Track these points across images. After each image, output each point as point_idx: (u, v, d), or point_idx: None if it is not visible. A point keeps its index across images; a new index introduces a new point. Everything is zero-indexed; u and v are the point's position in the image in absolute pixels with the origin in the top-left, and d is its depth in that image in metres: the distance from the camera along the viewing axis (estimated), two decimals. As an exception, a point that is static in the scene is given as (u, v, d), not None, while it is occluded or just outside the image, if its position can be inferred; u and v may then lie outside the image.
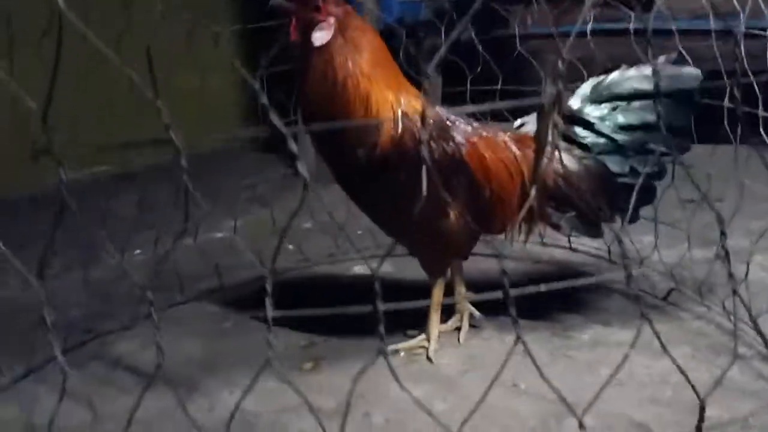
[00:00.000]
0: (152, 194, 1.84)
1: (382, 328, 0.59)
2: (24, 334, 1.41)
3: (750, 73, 0.88)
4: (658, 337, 0.68)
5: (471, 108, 1.14)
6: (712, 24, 1.53)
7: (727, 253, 0.64)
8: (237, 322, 1.63)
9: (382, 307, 0.58)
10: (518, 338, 0.59)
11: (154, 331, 0.62)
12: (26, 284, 1.73)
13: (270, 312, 0.60)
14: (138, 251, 2.02)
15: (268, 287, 0.61)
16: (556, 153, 1.30)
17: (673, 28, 1.56)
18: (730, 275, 0.65)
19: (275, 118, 0.52)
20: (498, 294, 0.59)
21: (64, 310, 1.61)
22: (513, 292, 0.58)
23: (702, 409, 0.65)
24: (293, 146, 0.52)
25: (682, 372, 0.69)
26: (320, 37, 1.24)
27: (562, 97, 0.51)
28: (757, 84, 1.00)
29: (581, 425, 0.63)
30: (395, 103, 1.25)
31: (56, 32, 0.60)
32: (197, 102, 2.06)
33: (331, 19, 1.24)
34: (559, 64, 0.54)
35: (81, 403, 1.27)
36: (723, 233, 0.64)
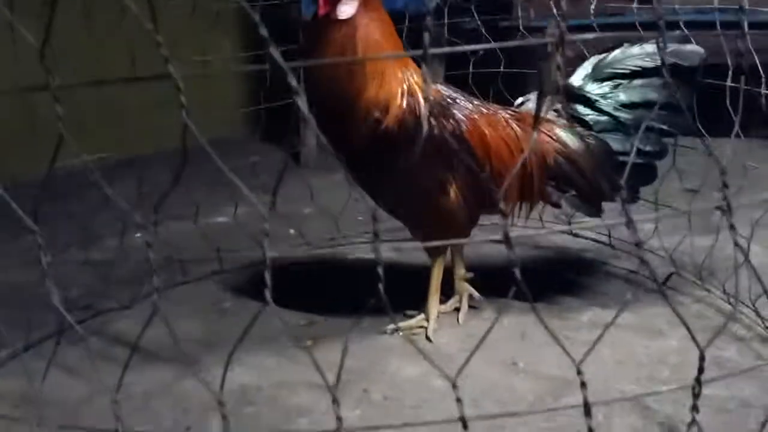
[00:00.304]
0: (152, 179, 1.84)
1: (389, 309, 0.58)
2: (22, 310, 1.42)
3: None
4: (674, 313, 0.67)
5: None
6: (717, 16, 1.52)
7: (729, 206, 0.64)
8: (236, 302, 1.63)
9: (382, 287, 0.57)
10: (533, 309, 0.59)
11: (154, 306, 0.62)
12: (24, 264, 1.74)
13: (268, 280, 0.60)
14: (138, 234, 2.02)
15: (267, 277, 0.61)
16: (550, 130, 1.30)
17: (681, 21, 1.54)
18: (732, 227, 0.64)
19: (275, 53, 0.51)
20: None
21: (63, 289, 1.61)
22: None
23: (701, 359, 0.65)
24: (293, 81, 0.52)
25: (682, 320, 0.68)
26: (346, 10, 1.22)
27: (565, 37, 0.51)
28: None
29: (583, 384, 0.63)
30: (403, 81, 1.25)
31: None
32: (199, 87, 2.06)
33: None
34: (562, 3, 0.54)
35: (80, 377, 1.27)
36: (725, 184, 0.63)
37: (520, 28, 2.23)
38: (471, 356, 0.67)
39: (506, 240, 0.55)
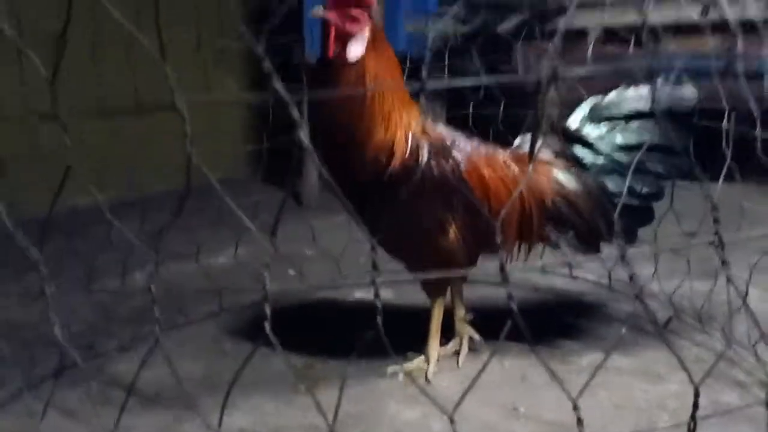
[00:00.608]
0: (156, 218, 1.86)
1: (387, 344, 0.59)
2: (22, 350, 1.43)
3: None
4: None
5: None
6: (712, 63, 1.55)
7: (721, 241, 0.65)
8: (236, 343, 1.62)
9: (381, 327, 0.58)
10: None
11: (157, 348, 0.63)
12: (25, 303, 1.74)
13: (269, 329, 0.61)
14: (138, 274, 2.03)
15: (267, 309, 0.62)
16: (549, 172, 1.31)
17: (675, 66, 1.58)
18: (723, 262, 0.65)
19: (278, 84, 0.53)
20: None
21: (64, 328, 1.61)
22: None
23: (696, 395, 0.66)
24: (295, 113, 0.54)
25: (680, 361, 0.69)
26: (356, 51, 1.23)
27: (558, 73, 0.53)
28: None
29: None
30: (408, 123, 1.27)
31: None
32: (202, 127, 2.10)
33: (367, 32, 1.24)
34: (556, 39, 0.56)
35: (79, 419, 1.27)
36: (716, 220, 0.65)
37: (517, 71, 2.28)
38: (466, 393, 0.67)
39: (502, 271, 0.56)
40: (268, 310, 0.62)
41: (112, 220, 0.73)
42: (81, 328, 1.66)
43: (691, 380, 0.67)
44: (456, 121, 2.00)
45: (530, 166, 0.56)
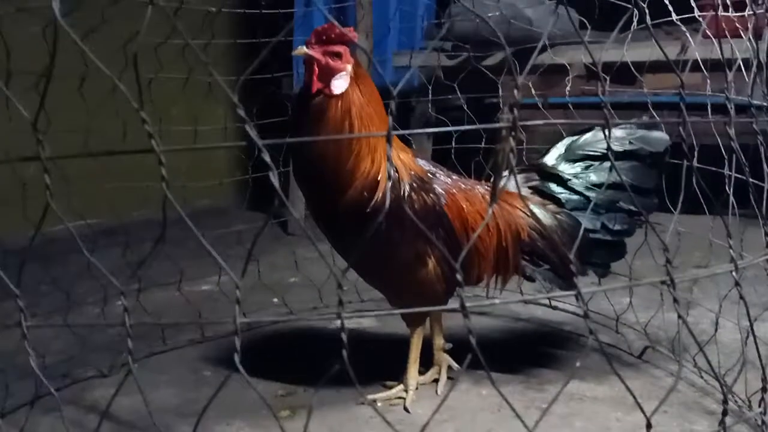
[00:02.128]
0: (139, 246, 1.87)
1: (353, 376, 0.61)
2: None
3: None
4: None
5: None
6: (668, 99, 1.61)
7: (672, 281, 0.68)
8: (216, 371, 1.63)
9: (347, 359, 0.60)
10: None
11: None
12: (3, 331, 1.72)
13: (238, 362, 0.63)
14: (119, 302, 2.03)
15: (237, 342, 0.64)
16: (525, 207, 1.36)
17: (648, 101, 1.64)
18: (675, 300, 0.68)
19: (252, 132, 0.56)
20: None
21: (41, 356, 1.60)
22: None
23: (648, 426, 0.68)
24: (267, 158, 0.56)
25: (627, 389, 0.72)
26: (340, 85, 1.25)
27: (517, 124, 0.56)
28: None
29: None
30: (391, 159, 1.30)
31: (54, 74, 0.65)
32: (189, 156, 2.13)
33: (349, 68, 1.26)
34: (515, 93, 0.59)
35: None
36: (668, 261, 0.68)
37: (501, 105, 2.34)
38: (433, 415, 0.69)
39: (463, 309, 0.59)
40: (237, 343, 0.63)
41: (87, 255, 0.75)
42: (59, 356, 1.65)
43: (643, 412, 0.69)
44: (441, 154, 2.05)
45: (489, 209, 0.60)
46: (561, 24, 2.47)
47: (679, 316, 0.73)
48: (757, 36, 1.16)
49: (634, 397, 0.73)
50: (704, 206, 1.28)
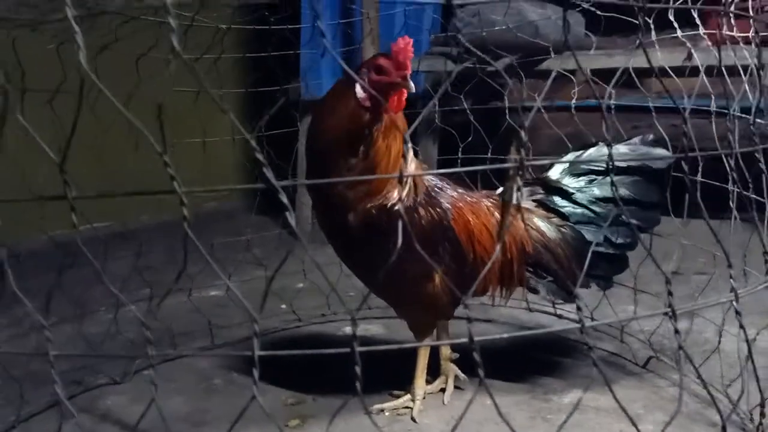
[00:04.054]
0: (148, 252, 1.89)
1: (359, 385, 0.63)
2: (14, 385, 1.45)
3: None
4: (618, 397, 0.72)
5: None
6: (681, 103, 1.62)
7: (674, 312, 0.70)
8: (226, 379, 1.65)
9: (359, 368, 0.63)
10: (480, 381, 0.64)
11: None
12: (14, 338, 1.75)
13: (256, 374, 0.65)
14: (132, 307, 2.06)
15: (256, 345, 0.66)
16: (529, 220, 1.38)
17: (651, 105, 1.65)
18: (676, 331, 0.70)
19: (269, 174, 0.58)
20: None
21: (55, 363, 1.63)
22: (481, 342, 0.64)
23: None
24: (284, 199, 0.59)
25: (618, 402, 0.74)
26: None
27: (524, 164, 0.59)
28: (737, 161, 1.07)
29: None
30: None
31: (67, 90, 0.67)
32: (200, 164, 2.16)
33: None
34: (522, 134, 0.61)
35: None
36: (670, 293, 0.70)
37: (506, 108, 2.35)
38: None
39: (470, 341, 0.61)
40: (256, 374, 0.66)
41: (97, 266, 0.77)
42: (71, 363, 1.68)
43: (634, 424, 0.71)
44: (447, 164, 2.06)
45: (497, 247, 0.62)
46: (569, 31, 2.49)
47: (680, 347, 0.75)
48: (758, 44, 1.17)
49: (626, 412, 0.75)
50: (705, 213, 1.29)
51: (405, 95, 1.28)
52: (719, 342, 1.41)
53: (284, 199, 0.60)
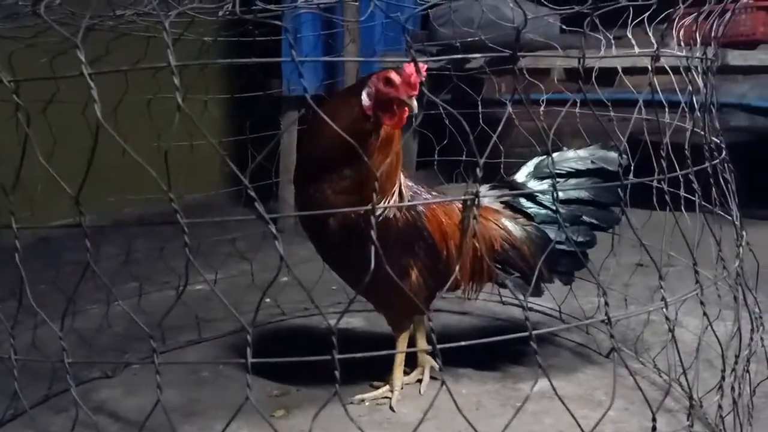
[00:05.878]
0: (137, 246, 1.94)
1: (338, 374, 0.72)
2: (7, 379, 1.51)
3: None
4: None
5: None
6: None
7: (609, 320, 0.79)
8: (214, 371, 1.73)
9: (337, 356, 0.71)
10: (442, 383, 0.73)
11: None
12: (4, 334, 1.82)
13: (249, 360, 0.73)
14: (120, 302, 2.12)
15: (249, 338, 0.73)
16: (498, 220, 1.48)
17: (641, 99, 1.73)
18: (612, 337, 0.80)
19: (259, 207, 0.66)
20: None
21: (55, 362, 1.69)
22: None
23: None
24: (273, 229, 0.66)
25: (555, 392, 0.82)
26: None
27: (479, 197, 0.68)
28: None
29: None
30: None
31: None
32: (186, 165, 2.21)
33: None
34: (477, 171, 0.70)
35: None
36: (607, 303, 0.79)
37: (479, 101, 2.42)
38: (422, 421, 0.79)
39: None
40: (249, 380, 0.73)
41: (92, 264, 0.84)
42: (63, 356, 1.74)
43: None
44: (426, 165, 2.15)
45: (456, 266, 0.69)
46: (544, 29, 2.57)
47: (616, 350, 0.84)
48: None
49: (563, 402, 0.84)
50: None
51: (406, 114, 1.30)
52: (672, 333, 1.50)
53: (273, 229, 0.67)
